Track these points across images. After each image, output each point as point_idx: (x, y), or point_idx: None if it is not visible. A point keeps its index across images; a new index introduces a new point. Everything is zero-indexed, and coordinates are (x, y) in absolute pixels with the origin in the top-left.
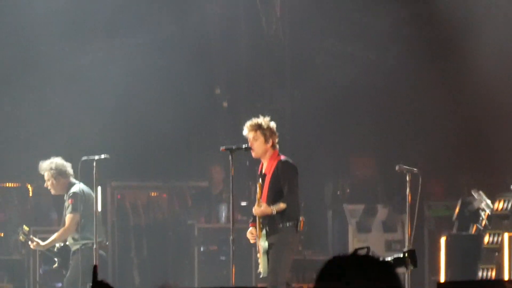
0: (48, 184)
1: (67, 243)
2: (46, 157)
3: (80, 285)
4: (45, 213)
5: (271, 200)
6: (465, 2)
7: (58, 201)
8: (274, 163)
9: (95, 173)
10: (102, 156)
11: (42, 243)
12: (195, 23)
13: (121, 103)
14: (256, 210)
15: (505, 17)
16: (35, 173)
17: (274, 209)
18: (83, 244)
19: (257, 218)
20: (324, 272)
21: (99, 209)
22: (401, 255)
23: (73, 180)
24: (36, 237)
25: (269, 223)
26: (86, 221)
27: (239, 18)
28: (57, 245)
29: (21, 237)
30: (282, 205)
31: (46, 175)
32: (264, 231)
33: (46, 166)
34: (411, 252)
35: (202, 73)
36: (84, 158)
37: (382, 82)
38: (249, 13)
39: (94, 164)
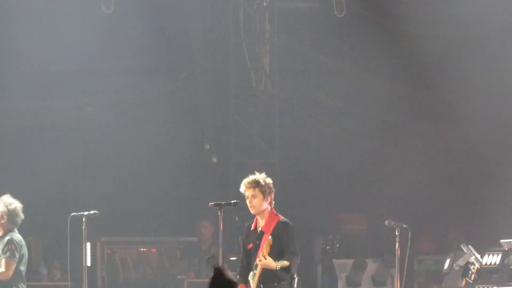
0: None
1: None
2: (36, 212)
3: None
4: (35, 268)
5: (271, 257)
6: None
7: (48, 256)
8: (273, 223)
9: (85, 229)
10: (92, 211)
11: None
12: (184, 78)
13: (111, 159)
14: (262, 261)
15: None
16: (24, 227)
17: (279, 265)
18: None
19: (254, 276)
20: None
21: (88, 264)
22: None
23: (15, 230)
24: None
25: (266, 281)
26: (14, 273)
27: (228, 73)
28: None
29: None
30: (286, 263)
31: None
32: None
33: (6, 201)
34: None
35: (192, 129)
36: (74, 214)
37: (371, 136)
38: (238, 68)
39: (84, 219)
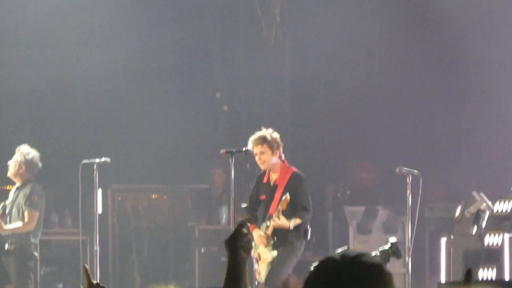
0: (11, 163)
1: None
2: (47, 160)
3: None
4: (46, 216)
5: (285, 213)
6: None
7: (60, 203)
8: (287, 176)
9: (96, 176)
10: (103, 159)
11: (3, 225)
12: (195, 27)
13: (122, 106)
14: (275, 221)
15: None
16: (37, 176)
17: (292, 224)
18: (20, 245)
19: (265, 227)
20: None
21: (100, 211)
22: (386, 248)
23: (33, 179)
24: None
25: (278, 234)
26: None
27: (238, 22)
28: None
29: None
30: (298, 221)
31: (16, 157)
32: (272, 241)
33: (24, 151)
34: (394, 244)
35: (203, 77)
36: (85, 161)
37: (382, 85)
38: (249, 17)
39: (95, 167)
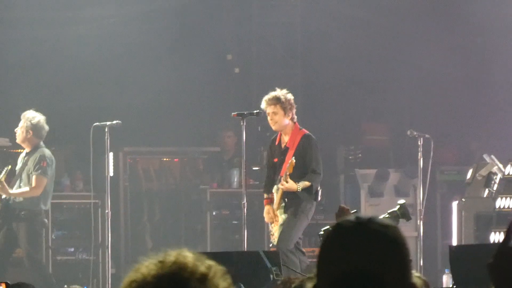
0: (18, 130)
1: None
2: (58, 123)
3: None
4: (57, 179)
5: (294, 176)
6: None
7: (71, 166)
8: (298, 138)
9: (107, 139)
10: (114, 121)
11: (8, 190)
12: None
13: (133, 68)
14: (283, 185)
15: None
16: (47, 138)
17: (300, 186)
18: (30, 210)
19: (276, 190)
20: (328, 238)
21: (111, 174)
22: (395, 209)
23: (42, 143)
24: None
25: (289, 196)
26: (45, 188)
27: None
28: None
29: (2, 176)
30: (307, 183)
31: (22, 123)
32: (283, 204)
33: (29, 116)
34: (402, 206)
35: (214, 39)
36: (96, 123)
37: (394, 48)
38: None
39: (106, 129)
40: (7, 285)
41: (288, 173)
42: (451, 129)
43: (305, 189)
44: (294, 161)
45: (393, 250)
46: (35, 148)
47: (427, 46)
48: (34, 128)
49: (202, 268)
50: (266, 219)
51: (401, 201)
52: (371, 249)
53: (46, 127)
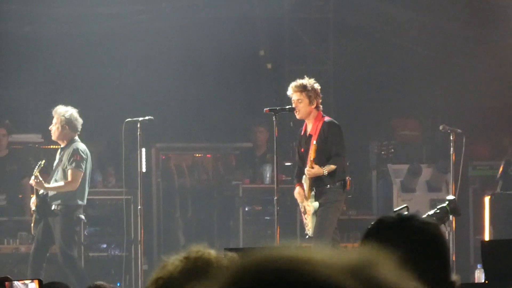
0: (53, 127)
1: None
2: (91, 118)
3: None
4: (103, 174)
5: (319, 161)
6: None
7: (103, 162)
8: (319, 124)
9: (139, 135)
10: (146, 117)
11: (44, 184)
12: None
13: (166, 64)
14: (309, 171)
15: None
16: (80, 134)
17: (325, 170)
18: (66, 205)
19: (306, 180)
20: (369, 233)
21: (143, 170)
22: (444, 205)
23: (77, 137)
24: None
25: (317, 184)
26: (80, 183)
27: None
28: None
29: (36, 171)
30: (332, 166)
31: (56, 119)
32: (313, 192)
33: (61, 111)
34: (452, 201)
35: (246, 35)
36: (128, 119)
37: (428, 43)
38: None
39: (138, 125)
40: (40, 282)
41: (312, 158)
42: (484, 124)
43: (332, 174)
44: (316, 144)
45: (434, 247)
46: (70, 143)
47: (461, 42)
48: (69, 122)
49: (226, 263)
50: (298, 200)
51: (450, 196)
52: (412, 246)
53: (80, 120)
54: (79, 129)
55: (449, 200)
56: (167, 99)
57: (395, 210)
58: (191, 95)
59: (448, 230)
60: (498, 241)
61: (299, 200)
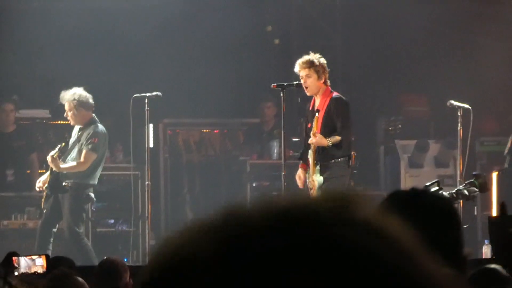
0: (68, 114)
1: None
2: (98, 94)
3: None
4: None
5: (326, 134)
6: None
7: (111, 138)
8: (327, 100)
9: (147, 110)
10: (154, 93)
11: (59, 165)
12: None
13: (173, 40)
14: (312, 140)
15: None
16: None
17: (330, 141)
18: (77, 183)
19: (311, 154)
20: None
21: (151, 145)
22: (473, 180)
23: (94, 116)
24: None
25: (322, 158)
26: (93, 164)
27: None
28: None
29: (55, 152)
30: (337, 137)
31: (67, 106)
32: (318, 167)
33: (69, 96)
34: (479, 175)
35: (254, 11)
36: (136, 95)
37: (436, 19)
38: None
39: (146, 101)
40: (47, 257)
41: (314, 130)
42: (491, 99)
43: (337, 147)
44: (318, 116)
45: (447, 222)
46: (89, 123)
47: (470, 18)
48: (81, 103)
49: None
50: (297, 183)
51: (476, 172)
52: (425, 220)
53: (89, 95)
54: (93, 106)
55: (477, 175)
56: (175, 75)
57: (426, 184)
58: (199, 71)
59: (476, 206)
60: (506, 217)
61: (298, 184)
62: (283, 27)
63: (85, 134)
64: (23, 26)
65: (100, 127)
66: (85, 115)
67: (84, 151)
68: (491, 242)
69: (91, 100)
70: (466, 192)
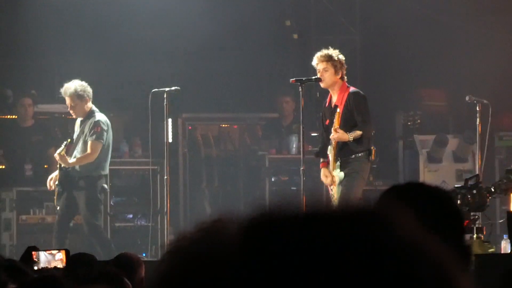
0: (70, 109)
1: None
2: (117, 89)
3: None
4: (116, 145)
5: (346, 129)
6: None
7: (129, 133)
8: (345, 95)
9: (166, 105)
10: (173, 88)
11: (68, 161)
12: None
13: (193, 35)
14: (333, 136)
15: None
16: (106, 105)
17: (351, 135)
18: (89, 176)
19: (331, 150)
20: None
21: (170, 140)
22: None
23: (94, 107)
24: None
25: (343, 154)
26: (100, 154)
27: None
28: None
29: (62, 149)
30: (358, 132)
31: (68, 100)
32: (338, 162)
33: (68, 91)
34: None
35: (273, 5)
36: (155, 90)
37: (453, 13)
38: None
39: (165, 95)
40: (67, 252)
41: (336, 125)
42: (510, 94)
43: (357, 142)
44: (339, 112)
45: (445, 212)
46: (90, 114)
47: (489, 13)
48: (79, 95)
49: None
50: (325, 182)
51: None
52: (423, 211)
53: (87, 86)
54: (91, 95)
55: (510, 170)
56: (194, 70)
57: (466, 178)
58: (218, 66)
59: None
60: None
61: (326, 183)
62: (302, 22)
63: (87, 126)
64: (41, 21)
65: (100, 115)
66: (83, 106)
67: (89, 142)
68: (510, 237)
69: (88, 90)
70: (503, 186)
